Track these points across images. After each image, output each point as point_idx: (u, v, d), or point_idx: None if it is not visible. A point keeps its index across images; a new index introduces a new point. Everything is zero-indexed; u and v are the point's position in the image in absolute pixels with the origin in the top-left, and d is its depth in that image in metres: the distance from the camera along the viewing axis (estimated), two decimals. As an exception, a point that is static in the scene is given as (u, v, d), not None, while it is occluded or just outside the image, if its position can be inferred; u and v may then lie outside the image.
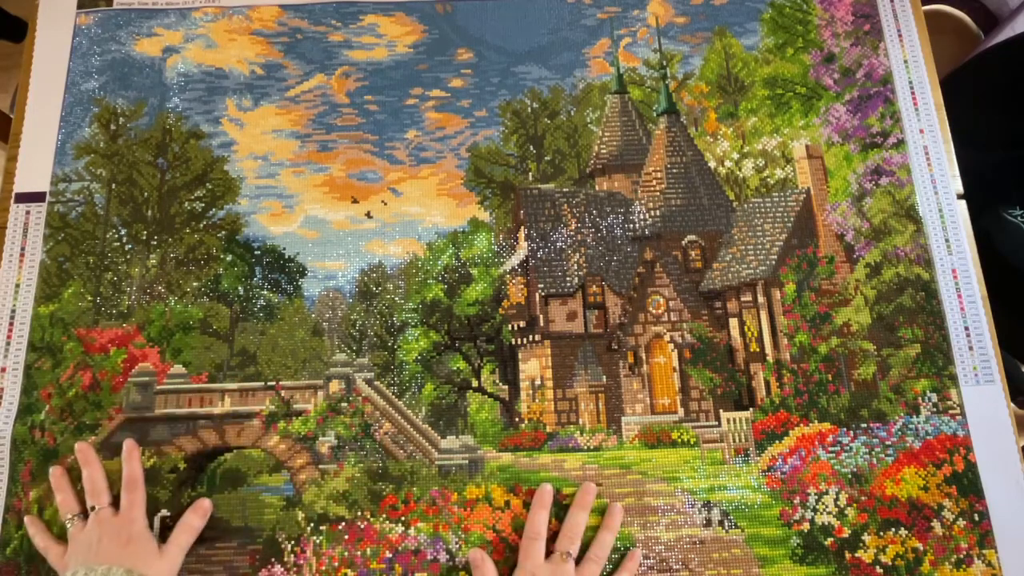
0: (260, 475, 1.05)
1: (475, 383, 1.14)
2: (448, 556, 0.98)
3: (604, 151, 1.28)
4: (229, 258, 1.15)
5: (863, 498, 1.00)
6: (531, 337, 1.22)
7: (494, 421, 1.11)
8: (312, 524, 1.01)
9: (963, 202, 1.13)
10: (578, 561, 0.95)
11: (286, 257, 1.15)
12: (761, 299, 1.19)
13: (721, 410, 1.11)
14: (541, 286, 1.23)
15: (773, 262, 1.19)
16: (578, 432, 1.10)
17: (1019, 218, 1.42)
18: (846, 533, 0.99)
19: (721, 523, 1.01)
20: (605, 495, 1.02)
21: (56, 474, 1.00)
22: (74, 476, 1.00)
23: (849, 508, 1.00)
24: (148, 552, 0.92)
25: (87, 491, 0.97)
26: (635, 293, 1.24)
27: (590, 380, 1.18)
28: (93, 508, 0.95)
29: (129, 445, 1.01)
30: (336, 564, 0.98)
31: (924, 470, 1.01)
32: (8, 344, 1.08)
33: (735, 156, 1.22)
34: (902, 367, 1.08)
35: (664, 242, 1.25)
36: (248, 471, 1.05)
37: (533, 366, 1.20)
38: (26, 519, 0.99)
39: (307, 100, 1.22)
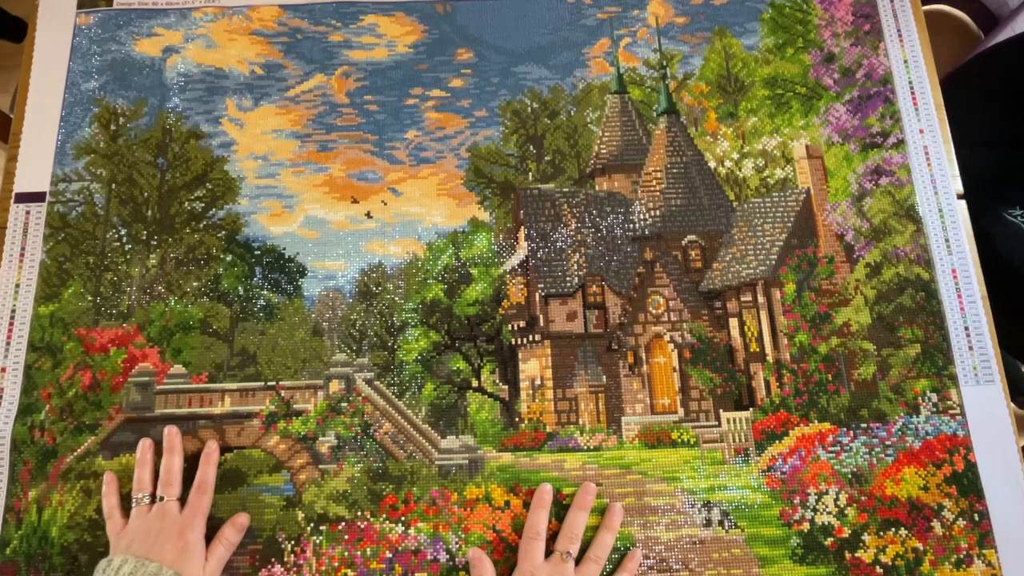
0: (260, 475, 1.05)
1: (475, 383, 1.14)
2: (448, 556, 0.98)
3: (604, 151, 1.28)
4: (229, 258, 1.15)
5: (863, 498, 1.00)
6: (531, 337, 1.22)
7: (494, 421, 1.11)
8: (312, 524, 1.01)
9: (963, 202, 1.13)
10: (578, 561, 0.95)
11: (286, 257, 1.15)
12: (761, 299, 1.19)
13: (721, 410, 1.11)
14: (541, 286, 1.23)
15: (773, 262, 1.19)
16: (578, 432, 1.10)
17: (1019, 218, 1.42)
18: (846, 533, 0.99)
19: (721, 523, 1.01)
20: (605, 495, 1.02)
21: (145, 446, 1.01)
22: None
23: (849, 508, 1.00)
24: (198, 562, 0.92)
25: (162, 478, 0.98)
26: (635, 293, 1.24)
27: (590, 380, 1.18)
28: (161, 498, 0.96)
29: (211, 448, 1.02)
30: (336, 564, 0.98)
31: (924, 470, 1.01)
32: (8, 344, 1.08)
33: (735, 156, 1.22)
34: (902, 367, 1.08)
35: (664, 242, 1.25)
36: (248, 471, 1.05)
37: (533, 366, 1.20)
38: (107, 475, 1.00)
39: (307, 100, 1.22)
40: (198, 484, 0.98)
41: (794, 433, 1.06)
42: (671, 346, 1.20)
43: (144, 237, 1.16)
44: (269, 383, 1.09)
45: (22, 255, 1.13)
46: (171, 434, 1.01)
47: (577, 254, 1.22)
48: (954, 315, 1.08)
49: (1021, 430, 1.11)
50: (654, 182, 1.30)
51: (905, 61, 1.21)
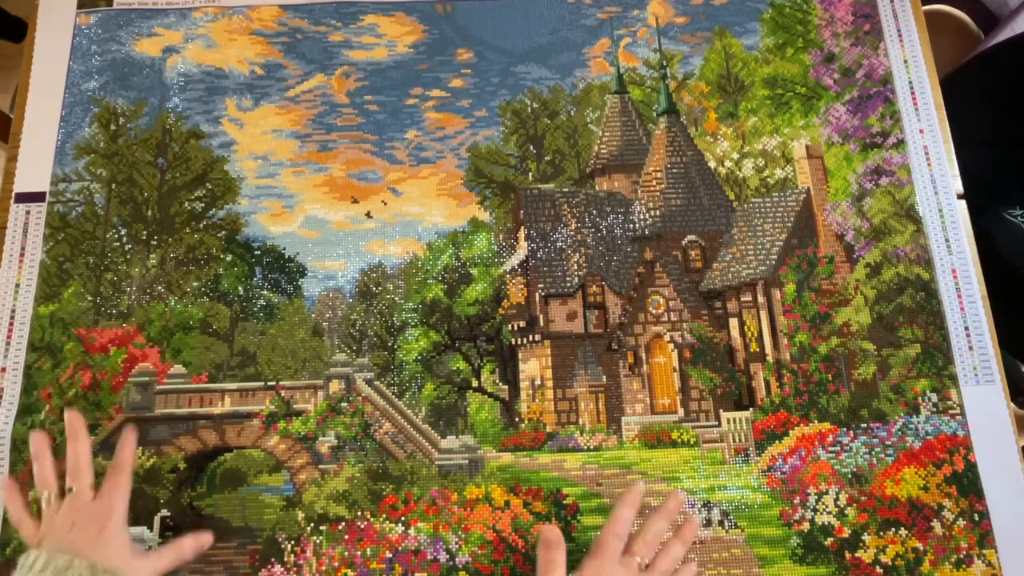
0: (260, 475, 1.05)
1: (475, 383, 1.14)
2: (448, 556, 0.98)
3: (604, 151, 1.28)
4: (229, 258, 1.15)
5: (863, 498, 1.00)
6: (531, 337, 1.22)
7: (494, 421, 1.11)
8: (312, 524, 1.01)
9: (963, 202, 1.13)
10: None
11: (286, 257, 1.15)
12: (761, 299, 1.19)
13: (721, 410, 1.11)
14: (541, 286, 1.23)
15: (773, 262, 1.19)
16: (578, 432, 1.10)
17: (1019, 218, 1.41)
18: (846, 533, 0.99)
19: (721, 523, 1.01)
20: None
21: (37, 440, 0.88)
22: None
23: (849, 508, 1.00)
24: (120, 547, 0.82)
25: (68, 467, 0.86)
26: (635, 293, 1.24)
27: (590, 380, 1.18)
28: (71, 489, 0.85)
29: (128, 429, 0.89)
30: (336, 564, 0.98)
31: (924, 470, 1.01)
32: (8, 344, 1.08)
33: (735, 156, 1.22)
34: (902, 367, 1.08)
35: (664, 242, 1.25)
36: (248, 471, 1.05)
37: (533, 366, 1.20)
38: (4, 483, 0.91)
39: (307, 100, 1.22)
40: (114, 463, 0.86)
41: (794, 433, 1.06)
42: (671, 346, 1.20)
43: (144, 237, 1.16)
44: (269, 383, 1.09)
45: (22, 255, 1.13)
46: (73, 419, 0.89)
47: (577, 254, 1.22)
48: (954, 315, 1.08)
49: (1021, 430, 1.11)
50: (654, 182, 1.30)
51: (905, 61, 1.21)
